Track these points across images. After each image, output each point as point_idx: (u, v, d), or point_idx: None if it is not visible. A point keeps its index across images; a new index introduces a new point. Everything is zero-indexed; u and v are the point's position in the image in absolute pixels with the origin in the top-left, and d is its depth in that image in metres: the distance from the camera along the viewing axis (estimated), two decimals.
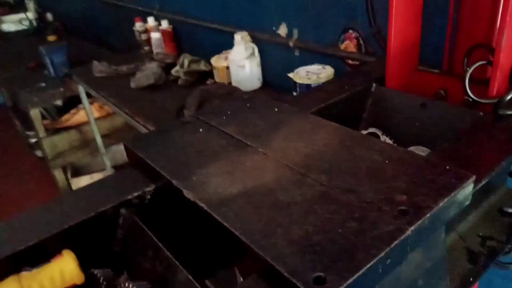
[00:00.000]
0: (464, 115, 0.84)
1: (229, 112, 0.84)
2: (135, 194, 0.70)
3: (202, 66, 2.10)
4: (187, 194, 0.61)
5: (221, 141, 0.74)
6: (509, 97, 0.76)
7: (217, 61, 2.01)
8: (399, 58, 0.96)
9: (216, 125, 0.79)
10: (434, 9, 1.02)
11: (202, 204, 0.58)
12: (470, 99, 0.83)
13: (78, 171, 2.96)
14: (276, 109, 0.83)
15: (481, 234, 0.82)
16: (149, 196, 0.72)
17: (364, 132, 0.96)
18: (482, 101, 0.80)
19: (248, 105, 0.87)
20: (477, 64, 0.80)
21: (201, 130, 0.79)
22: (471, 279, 0.73)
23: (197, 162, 0.68)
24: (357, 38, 1.38)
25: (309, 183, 0.59)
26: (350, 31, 1.40)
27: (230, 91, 1.83)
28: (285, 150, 0.68)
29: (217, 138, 0.75)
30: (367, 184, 0.56)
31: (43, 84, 2.79)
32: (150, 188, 0.72)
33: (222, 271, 0.84)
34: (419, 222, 0.49)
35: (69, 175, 2.89)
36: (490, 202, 0.88)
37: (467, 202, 0.57)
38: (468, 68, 0.81)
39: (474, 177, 0.55)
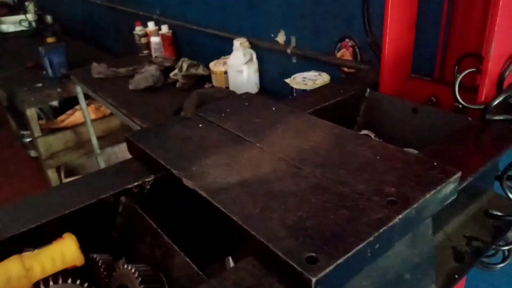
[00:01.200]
0: (454, 120, 0.88)
1: (228, 110, 0.87)
2: (135, 183, 0.73)
3: (201, 70, 2.14)
4: (187, 182, 0.63)
5: (219, 136, 0.77)
6: (495, 102, 0.80)
7: (215, 66, 2.05)
8: (393, 65, 1.00)
9: (215, 121, 0.82)
10: (427, 20, 1.06)
11: (201, 192, 0.60)
12: (460, 105, 0.87)
13: (71, 172, 2.96)
14: (273, 108, 0.86)
15: (467, 234, 0.85)
16: (148, 186, 0.74)
17: None
18: (471, 106, 0.84)
19: (246, 103, 0.90)
20: (466, 72, 0.84)
21: (200, 125, 0.82)
22: (456, 276, 0.76)
23: (196, 154, 0.71)
24: (353, 47, 1.43)
25: (304, 175, 0.62)
26: (347, 39, 1.44)
27: (227, 95, 1.86)
28: (281, 145, 0.71)
29: (216, 133, 0.78)
30: (358, 177, 0.59)
31: (41, 84, 2.80)
32: (150, 178, 0.74)
33: (212, 266, 0.87)
34: (406, 211, 0.52)
35: (62, 176, 2.89)
36: (477, 205, 0.92)
37: (453, 197, 0.60)
38: (458, 75, 0.84)
39: (459, 173, 0.58)
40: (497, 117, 0.81)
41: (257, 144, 0.72)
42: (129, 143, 0.80)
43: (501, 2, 0.77)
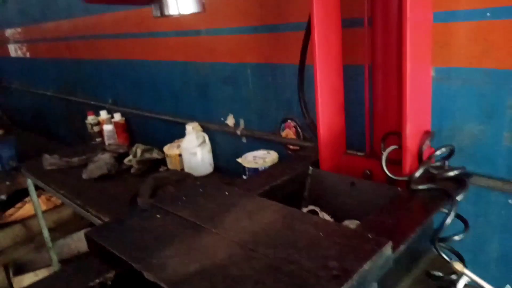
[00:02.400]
0: (386, 191, 0.99)
1: (184, 198, 0.93)
2: (97, 281, 0.75)
3: (155, 155, 2.20)
4: (148, 276, 0.67)
5: (177, 225, 0.82)
6: (417, 174, 0.92)
7: (169, 149, 2.12)
8: (329, 144, 1.13)
9: (172, 210, 0.88)
10: (353, 102, 1.22)
11: (163, 285, 0.64)
12: (390, 177, 0.99)
13: (21, 269, 2.78)
14: (226, 193, 0.94)
15: None
16: (110, 282, 0.76)
17: (305, 209, 1.08)
18: (398, 178, 0.96)
19: (201, 190, 0.97)
20: (390, 149, 0.98)
21: (158, 216, 0.87)
22: None
23: (156, 246, 0.75)
24: (295, 127, 1.57)
25: (257, 257, 0.68)
26: (289, 120, 1.59)
27: (183, 177, 1.92)
28: (236, 229, 0.77)
29: (173, 223, 0.83)
30: (306, 254, 0.66)
31: None
32: (111, 274, 0.76)
33: None
34: (348, 283, 0.59)
35: (11, 274, 2.71)
36: (420, 267, 1.00)
37: (389, 264, 0.68)
38: (383, 152, 0.97)
39: (390, 243, 0.67)
40: (421, 186, 0.93)
41: (213, 230, 0.78)
42: (88, 240, 0.83)
43: (408, 87, 0.93)
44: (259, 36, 1.61)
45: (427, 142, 0.99)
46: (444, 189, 0.91)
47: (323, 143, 1.11)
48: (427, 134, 1.00)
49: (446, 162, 1.01)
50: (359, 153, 1.17)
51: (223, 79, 1.87)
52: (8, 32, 3.70)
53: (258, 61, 1.67)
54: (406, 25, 0.90)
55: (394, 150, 1.00)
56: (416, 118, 0.98)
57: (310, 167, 1.15)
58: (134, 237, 0.79)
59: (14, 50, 3.76)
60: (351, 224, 0.98)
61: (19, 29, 3.53)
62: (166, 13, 0.71)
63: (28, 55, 3.58)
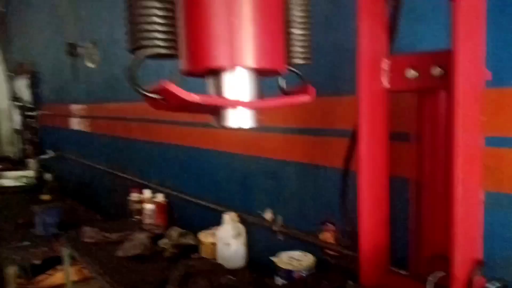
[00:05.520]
0: None
1: None
2: None
3: (190, 240, 2.19)
4: None
5: None
6: None
7: (205, 237, 2.11)
8: (371, 259, 1.08)
9: None
10: (399, 215, 1.18)
11: None
12: None
13: None
14: None
15: None
16: None
17: None
18: None
19: None
20: (437, 275, 0.92)
21: None
22: None
23: None
24: (334, 231, 1.53)
25: None
26: (328, 224, 1.56)
27: (214, 268, 1.89)
28: None
29: None
30: None
31: (28, 243, 2.79)
32: None
33: None
34: None
35: None
36: None
37: None
38: (430, 278, 0.92)
39: None
40: None
41: None
42: None
43: (457, 210, 0.89)
44: (304, 137, 1.66)
45: (478, 272, 0.93)
46: None
47: (364, 258, 1.06)
48: (478, 263, 0.94)
49: None
50: (403, 272, 1.10)
51: (265, 173, 1.91)
52: (74, 107, 4.06)
53: (301, 160, 1.70)
54: (455, 148, 0.90)
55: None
56: (466, 244, 0.93)
57: (349, 281, 1.10)
58: None
59: (75, 124, 4.09)
60: None
61: (83, 106, 3.87)
62: (225, 125, 0.76)
63: (87, 129, 3.87)
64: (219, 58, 0.72)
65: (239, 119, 0.76)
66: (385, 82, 1.06)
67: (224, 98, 0.75)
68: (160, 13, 0.68)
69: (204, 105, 0.73)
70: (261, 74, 0.77)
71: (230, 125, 0.76)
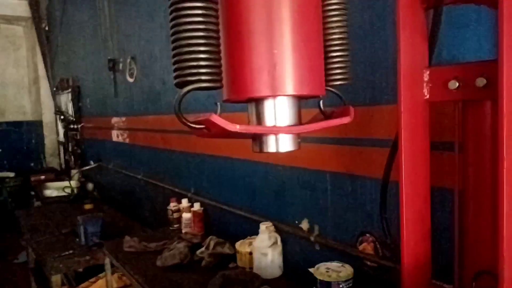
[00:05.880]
0: None
1: None
2: None
3: (226, 249, 2.21)
4: None
5: None
6: None
7: (241, 246, 2.13)
8: (413, 272, 1.05)
9: None
10: (442, 227, 1.15)
11: None
12: None
13: None
14: None
15: None
16: None
17: None
18: None
19: None
20: None
21: None
22: None
23: None
24: (374, 242, 1.50)
25: None
26: (367, 234, 1.53)
27: (251, 278, 1.89)
28: None
29: None
30: None
31: (71, 252, 2.90)
32: None
33: None
34: None
35: None
36: None
37: None
38: None
39: None
40: None
41: None
42: None
43: (505, 224, 0.86)
44: (341, 147, 1.65)
45: None
46: None
47: (406, 270, 1.04)
48: None
49: None
50: (446, 286, 1.07)
51: (301, 183, 1.90)
52: (114, 120, 4.21)
53: (338, 169, 1.69)
54: (502, 159, 0.86)
55: None
56: None
57: None
58: None
59: (116, 135, 4.24)
60: None
61: (123, 118, 4.01)
62: (265, 150, 0.77)
63: (127, 141, 4.00)
64: (260, 88, 0.74)
65: (279, 144, 0.78)
66: (426, 93, 1.05)
67: (263, 126, 0.77)
68: (203, 48, 0.70)
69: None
70: (301, 99, 0.79)
71: (270, 150, 0.78)
